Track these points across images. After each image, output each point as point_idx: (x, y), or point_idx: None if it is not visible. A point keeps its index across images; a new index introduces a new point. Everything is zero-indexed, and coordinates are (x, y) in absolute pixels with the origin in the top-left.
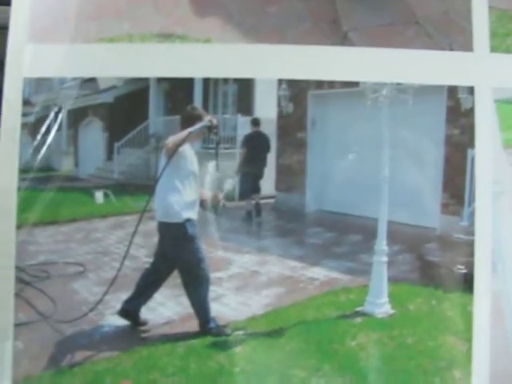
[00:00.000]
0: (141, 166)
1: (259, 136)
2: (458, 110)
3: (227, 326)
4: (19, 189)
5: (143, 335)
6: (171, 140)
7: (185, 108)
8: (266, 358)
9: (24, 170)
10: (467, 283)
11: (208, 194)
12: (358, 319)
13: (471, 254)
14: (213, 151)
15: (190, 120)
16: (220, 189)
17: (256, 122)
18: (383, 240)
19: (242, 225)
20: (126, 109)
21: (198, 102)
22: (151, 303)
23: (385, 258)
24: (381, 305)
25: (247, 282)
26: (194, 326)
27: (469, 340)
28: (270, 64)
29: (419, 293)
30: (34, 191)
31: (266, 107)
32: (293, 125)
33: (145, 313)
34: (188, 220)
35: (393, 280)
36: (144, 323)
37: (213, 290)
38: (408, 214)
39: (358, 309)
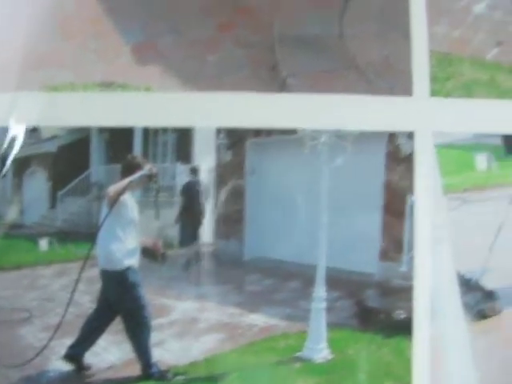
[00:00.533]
0: (83, 214)
1: (198, 184)
2: (397, 156)
3: (169, 370)
4: None
5: (87, 380)
6: (112, 189)
7: (125, 157)
8: None
9: None
10: (406, 328)
11: (148, 242)
12: (297, 364)
13: (410, 300)
14: (153, 199)
15: (130, 169)
16: (160, 237)
17: (194, 171)
18: (322, 286)
19: (182, 272)
20: (68, 158)
21: (137, 150)
22: (95, 348)
23: (323, 304)
24: (319, 350)
25: (188, 327)
26: (136, 370)
27: None
28: (209, 112)
29: (358, 338)
30: None
31: (205, 155)
32: (231, 173)
33: (89, 358)
34: (129, 267)
35: (332, 326)
36: (88, 368)
37: (154, 336)
38: (347, 261)
39: (297, 354)
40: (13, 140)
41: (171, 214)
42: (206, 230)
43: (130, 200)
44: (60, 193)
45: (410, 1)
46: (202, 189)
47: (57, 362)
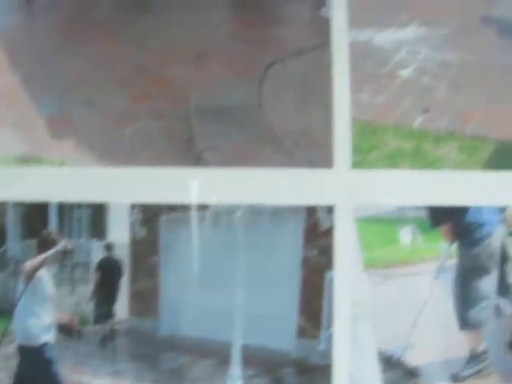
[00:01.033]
0: (0, 289)
1: (112, 261)
2: (316, 230)
3: None
4: None
5: None
6: (28, 264)
7: (41, 232)
8: None
9: None
10: None
11: (64, 318)
12: None
13: (329, 378)
14: (68, 276)
15: (45, 244)
16: (76, 313)
17: (109, 247)
18: (238, 364)
19: (97, 349)
20: None
21: (53, 225)
22: None
23: (239, 383)
24: None
25: None
26: None
27: None
28: (122, 188)
29: None
30: None
31: (119, 232)
32: (145, 249)
33: None
34: (46, 343)
35: None
36: None
37: None
38: (263, 338)
39: None
40: None
41: (87, 290)
42: (121, 307)
43: (45, 275)
44: None
45: (332, 67)
46: (117, 265)
47: None
